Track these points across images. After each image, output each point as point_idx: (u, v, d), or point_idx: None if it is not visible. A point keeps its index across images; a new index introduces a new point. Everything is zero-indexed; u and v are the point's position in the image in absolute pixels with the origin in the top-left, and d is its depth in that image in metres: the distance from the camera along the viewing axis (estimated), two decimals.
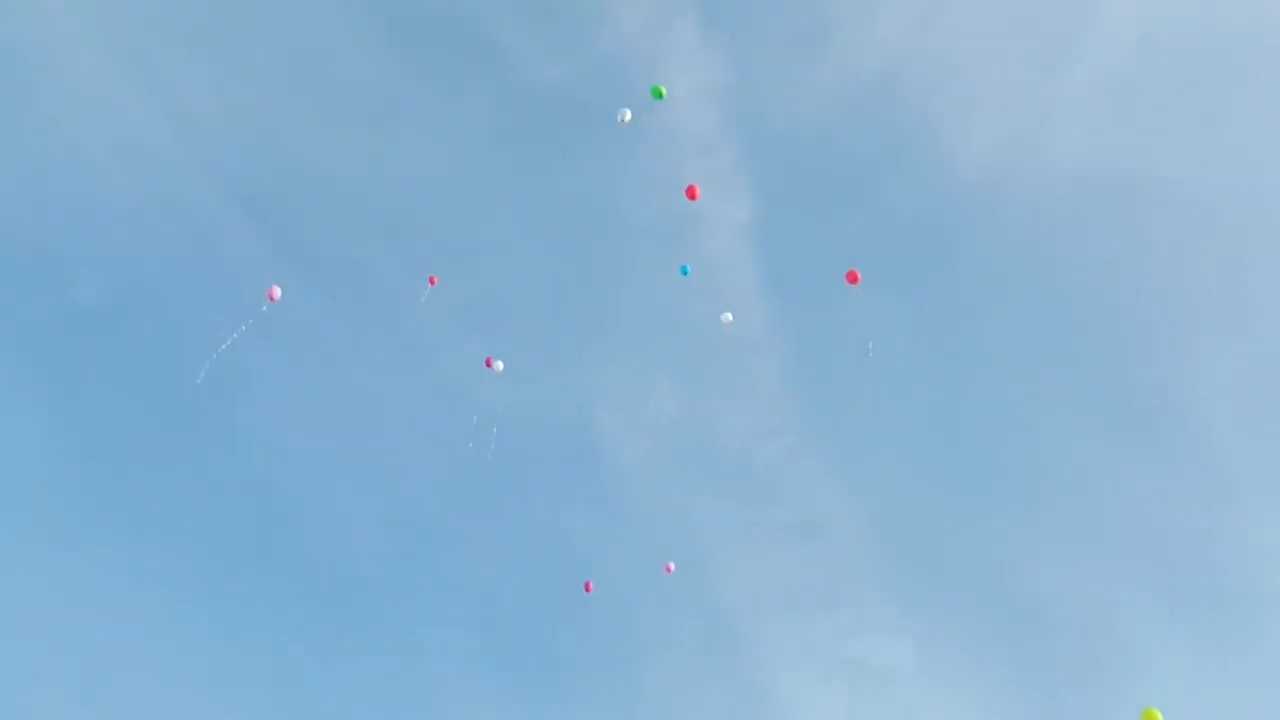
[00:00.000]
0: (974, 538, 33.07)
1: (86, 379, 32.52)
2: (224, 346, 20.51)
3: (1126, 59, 34.08)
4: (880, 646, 32.06)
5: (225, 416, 31.87)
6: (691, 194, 22.52)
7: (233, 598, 31.28)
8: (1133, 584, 31.77)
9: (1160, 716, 16.54)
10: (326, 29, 34.88)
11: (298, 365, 33.26)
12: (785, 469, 33.13)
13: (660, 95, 21.56)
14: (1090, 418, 34.40)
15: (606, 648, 31.19)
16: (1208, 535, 31.73)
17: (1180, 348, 34.47)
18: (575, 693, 31.11)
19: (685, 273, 23.44)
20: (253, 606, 31.45)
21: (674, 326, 29.95)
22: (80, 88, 32.49)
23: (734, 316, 24.93)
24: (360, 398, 33.03)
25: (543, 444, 32.89)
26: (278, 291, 20.69)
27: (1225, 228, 33.91)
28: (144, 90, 33.10)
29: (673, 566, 24.23)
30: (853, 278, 22.64)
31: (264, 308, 20.79)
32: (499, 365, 23.88)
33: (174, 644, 30.03)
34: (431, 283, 23.44)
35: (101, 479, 31.70)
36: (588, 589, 23.84)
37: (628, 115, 21.61)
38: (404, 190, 33.71)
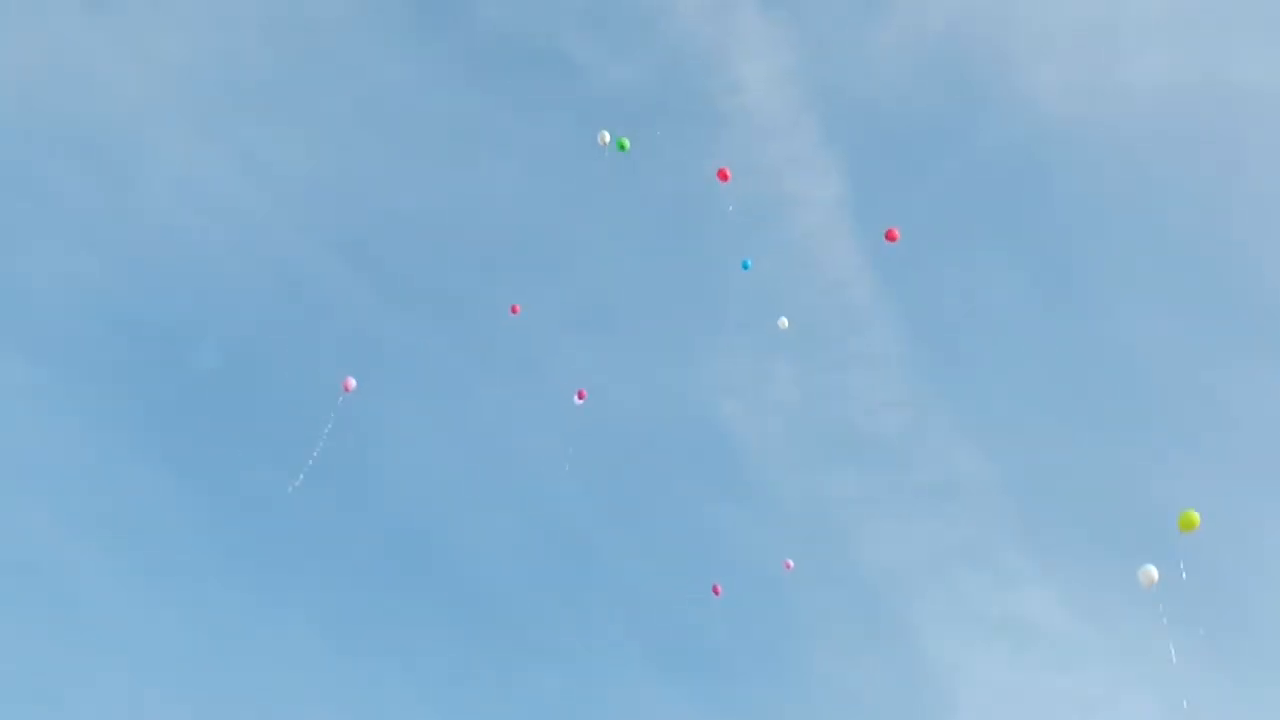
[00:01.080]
0: (1110, 477, 32.67)
1: (216, 441, 33.45)
2: (315, 453, 20.95)
3: None
4: (1029, 601, 31.88)
5: (355, 461, 32.43)
6: (723, 176, 22.61)
7: (391, 634, 32.25)
8: None
9: (1196, 518, 16.33)
10: (395, 69, 35.66)
11: (418, 398, 33.93)
12: (913, 434, 33.05)
13: (623, 148, 22.27)
14: (1212, 336, 33.83)
15: (762, 634, 31.48)
16: None
17: None
18: (738, 682, 31.48)
19: (746, 267, 23.55)
20: (412, 639, 32.37)
21: (781, 308, 29.91)
22: (170, 166, 33.70)
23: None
24: (484, 419, 33.63)
25: (671, 441, 33.22)
26: (353, 382, 21.29)
27: None
28: (230, 157, 34.27)
29: (791, 564, 24.28)
30: (891, 236, 22.80)
31: (339, 399, 21.31)
32: (581, 398, 24.01)
33: (342, 687, 30.86)
34: (514, 311, 23.71)
35: (240, 536, 32.65)
36: (716, 592, 23.96)
37: (606, 136, 22.13)
38: (496, 213, 34.17)
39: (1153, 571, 16.24)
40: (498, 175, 34.84)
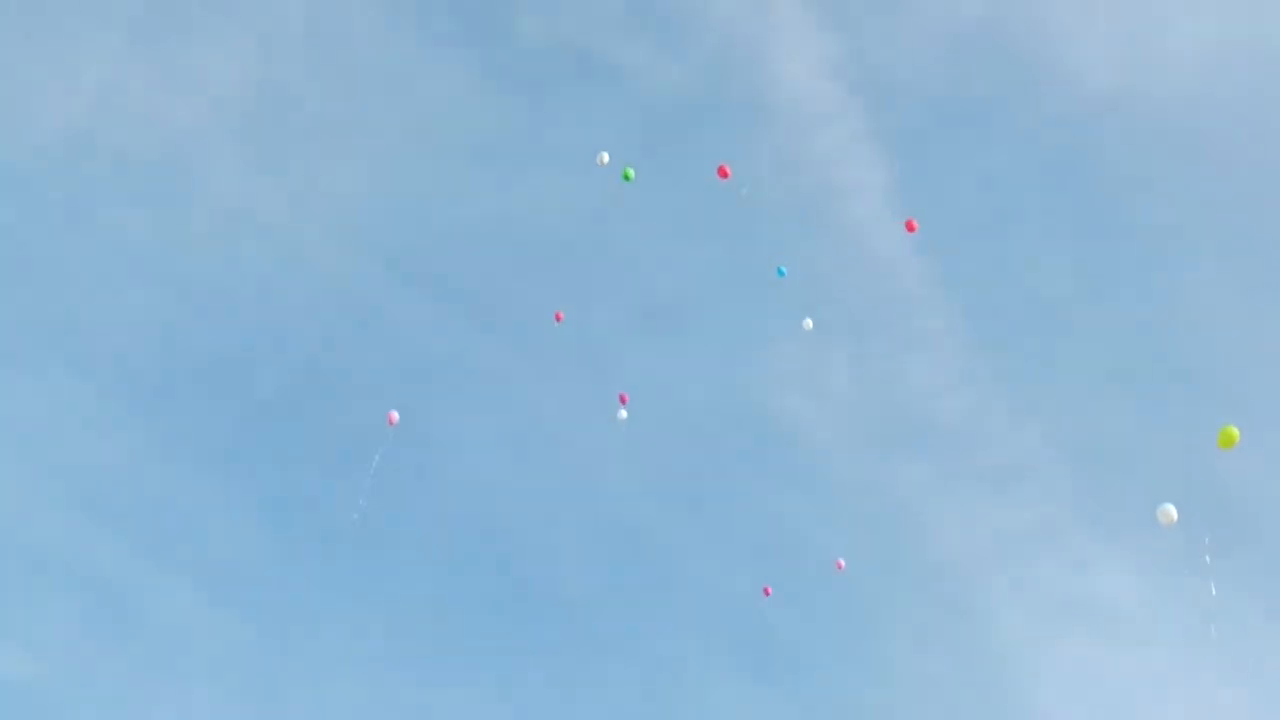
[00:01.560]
0: (1177, 453, 32.17)
1: (279, 465, 33.77)
2: (369, 482, 21.37)
3: None
4: (1101, 581, 31.57)
5: (420, 473, 32.69)
6: (723, 173, 22.81)
7: (460, 640, 32.34)
8: None
9: (1236, 433, 16.15)
10: (440, 83, 35.95)
11: (478, 407, 34.22)
12: (975, 417, 32.81)
13: (628, 178, 22.67)
14: (1275, 307, 33.41)
15: (832, 625, 31.44)
16: None
17: None
18: (810, 674, 31.42)
19: (782, 274, 23.77)
20: (481, 644, 32.43)
21: (836, 299, 29.88)
22: (222, 193, 33.99)
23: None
24: (545, 424, 33.71)
25: (732, 436, 33.21)
26: (396, 416, 21.75)
27: None
28: (280, 182, 34.67)
29: (843, 564, 24.32)
30: (910, 227, 23.06)
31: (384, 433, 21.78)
32: (623, 411, 24.01)
33: (412, 692, 30.98)
34: (557, 318, 23.86)
35: (305, 550, 32.86)
36: (767, 593, 24.15)
37: (605, 157, 22.42)
38: (552, 223, 34.30)
39: (1171, 511, 16.35)
40: (549, 182, 34.94)
